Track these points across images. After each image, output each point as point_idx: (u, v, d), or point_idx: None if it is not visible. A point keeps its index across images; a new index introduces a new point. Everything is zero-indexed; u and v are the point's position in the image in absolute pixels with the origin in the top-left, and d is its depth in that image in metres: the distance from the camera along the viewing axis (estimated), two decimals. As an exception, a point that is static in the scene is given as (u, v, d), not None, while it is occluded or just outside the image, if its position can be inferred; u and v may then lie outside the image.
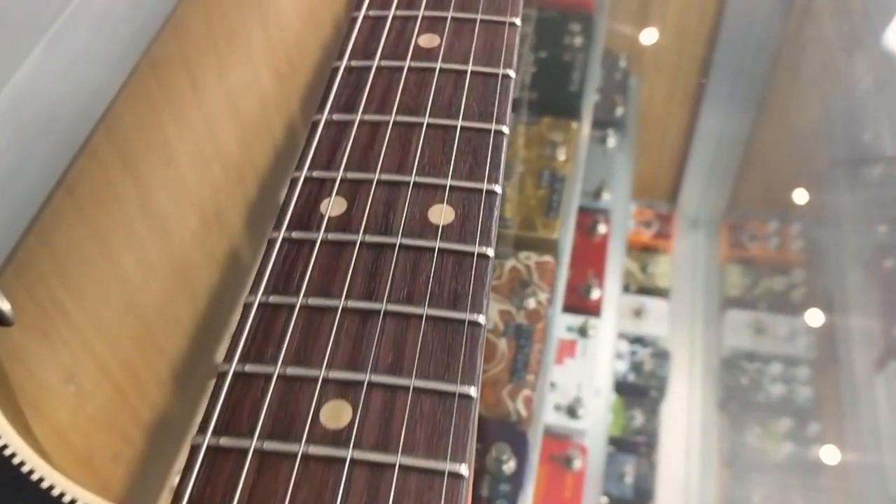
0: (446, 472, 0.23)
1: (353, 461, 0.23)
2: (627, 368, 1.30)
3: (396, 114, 0.29)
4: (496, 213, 0.27)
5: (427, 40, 0.32)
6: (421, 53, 0.31)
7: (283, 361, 0.25)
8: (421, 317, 0.25)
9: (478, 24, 0.32)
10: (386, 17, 0.33)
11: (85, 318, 0.56)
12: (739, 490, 1.29)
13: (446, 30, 0.32)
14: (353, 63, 0.33)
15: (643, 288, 1.39)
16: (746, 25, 1.40)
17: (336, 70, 0.32)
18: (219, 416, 0.25)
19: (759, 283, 1.40)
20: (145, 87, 0.59)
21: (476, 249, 0.26)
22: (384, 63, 0.31)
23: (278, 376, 0.25)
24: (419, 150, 0.28)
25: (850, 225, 1.30)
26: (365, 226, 0.27)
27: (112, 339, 0.59)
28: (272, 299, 0.26)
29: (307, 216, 0.27)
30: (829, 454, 1.20)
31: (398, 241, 0.26)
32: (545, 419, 0.89)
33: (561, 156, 0.76)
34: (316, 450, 0.24)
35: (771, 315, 1.36)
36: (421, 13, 0.32)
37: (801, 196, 1.48)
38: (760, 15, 1.40)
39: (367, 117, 0.29)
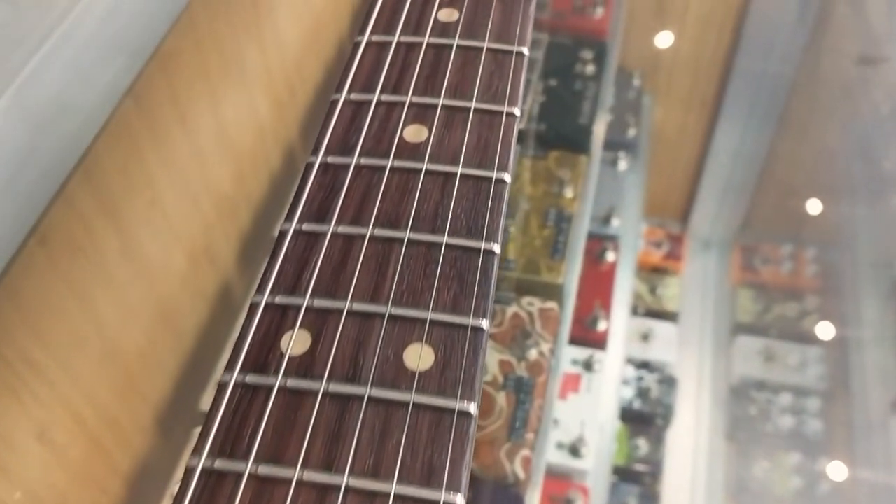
0: None
1: None
2: (633, 395, 1.27)
3: (374, 226, 0.26)
4: (481, 356, 0.23)
5: (414, 133, 0.28)
6: (406, 150, 0.28)
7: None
8: (388, 496, 0.21)
9: (471, 113, 0.28)
10: (370, 102, 0.29)
11: (59, 371, 0.53)
12: (745, 522, 1.26)
13: (436, 121, 0.28)
14: (330, 159, 0.30)
15: (651, 311, 1.36)
16: (766, 41, 1.36)
17: (310, 167, 0.28)
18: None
19: (771, 308, 1.37)
20: (128, 124, 0.56)
21: (457, 405, 0.23)
22: (364, 161, 0.27)
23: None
24: (398, 273, 0.24)
25: (869, 252, 1.26)
26: (330, 370, 0.24)
27: (89, 390, 0.56)
28: (217, 464, 0.22)
29: (265, 354, 0.24)
30: (839, 491, 1.17)
31: (367, 392, 0.23)
32: (547, 458, 0.86)
33: (568, 193, 0.73)
34: None
35: (782, 343, 1.32)
36: (409, 99, 0.29)
37: (817, 219, 1.44)
38: (781, 30, 1.36)
39: (341, 229, 0.26)
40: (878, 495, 1.04)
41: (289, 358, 0.23)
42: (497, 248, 0.25)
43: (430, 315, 0.24)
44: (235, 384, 0.23)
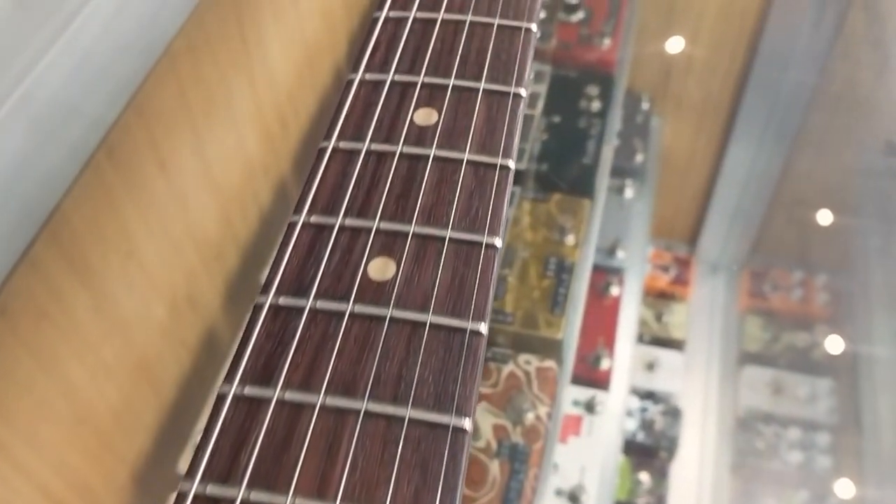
0: None
1: None
2: (637, 427, 1.23)
3: (325, 395, 0.22)
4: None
5: (379, 268, 0.24)
6: (369, 290, 0.24)
7: None
8: None
9: (446, 243, 0.25)
10: (332, 227, 0.25)
11: (24, 447, 0.50)
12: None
13: (405, 255, 0.24)
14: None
15: (657, 338, 1.32)
16: (782, 58, 1.31)
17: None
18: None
19: (780, 337, 1.33)
20: (101, 178, 0.52)
21: None
22: (324, 288, 0.24)
23: None
24: (347, 466, 0.20)
25: (883, 281, 1.22)
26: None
27: (58, 460, 0.53)
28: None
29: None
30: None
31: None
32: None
33: (570, 240, 0.69)
34: None
35: (791, 374, 1.28)
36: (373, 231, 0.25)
37: (829, 243, 1.40)
38: (797, 48, 1.31)
39: (287, 396, 0.22)
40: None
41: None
42: (468, 425, 0.21)
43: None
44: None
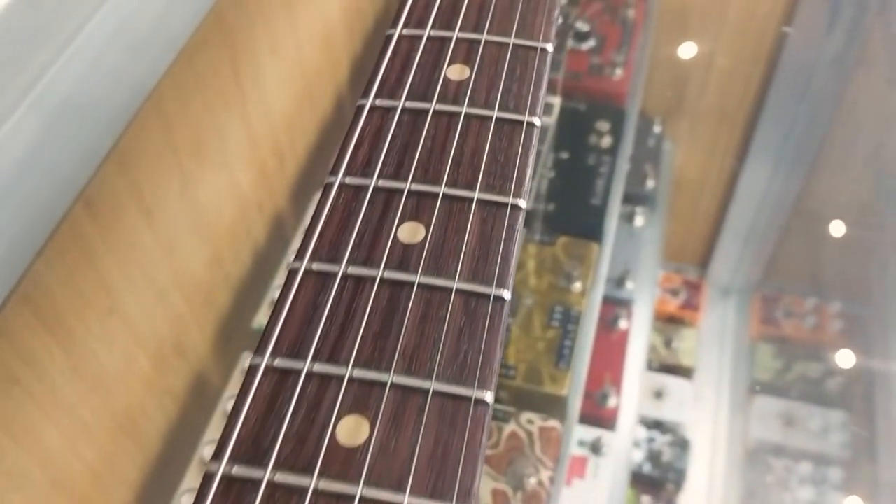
0: None
1: None
2: (643, 458, 1.20)
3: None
4: None
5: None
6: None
7: None
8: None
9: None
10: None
11: (-11, 519, 0.47)
12: None
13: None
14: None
15: (666, 365, 1.28)
16: (801, 80, 1.27)
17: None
18: None
19: (793, 366, 1.29)
20: (77, 232, 0.49)
21: None
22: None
23: None
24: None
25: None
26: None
27: (28, 529, 0.50)
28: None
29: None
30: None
31: None
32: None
33: (577, 287, 0.66)
34: None
35: (803, 405, 1.25)
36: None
37: (845, 269, 1.36)
38: (816, 68, 1.27)
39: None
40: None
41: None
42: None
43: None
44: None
